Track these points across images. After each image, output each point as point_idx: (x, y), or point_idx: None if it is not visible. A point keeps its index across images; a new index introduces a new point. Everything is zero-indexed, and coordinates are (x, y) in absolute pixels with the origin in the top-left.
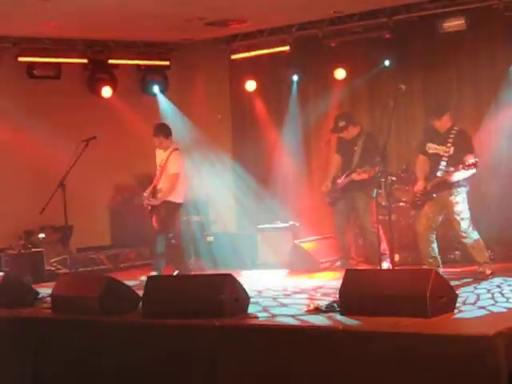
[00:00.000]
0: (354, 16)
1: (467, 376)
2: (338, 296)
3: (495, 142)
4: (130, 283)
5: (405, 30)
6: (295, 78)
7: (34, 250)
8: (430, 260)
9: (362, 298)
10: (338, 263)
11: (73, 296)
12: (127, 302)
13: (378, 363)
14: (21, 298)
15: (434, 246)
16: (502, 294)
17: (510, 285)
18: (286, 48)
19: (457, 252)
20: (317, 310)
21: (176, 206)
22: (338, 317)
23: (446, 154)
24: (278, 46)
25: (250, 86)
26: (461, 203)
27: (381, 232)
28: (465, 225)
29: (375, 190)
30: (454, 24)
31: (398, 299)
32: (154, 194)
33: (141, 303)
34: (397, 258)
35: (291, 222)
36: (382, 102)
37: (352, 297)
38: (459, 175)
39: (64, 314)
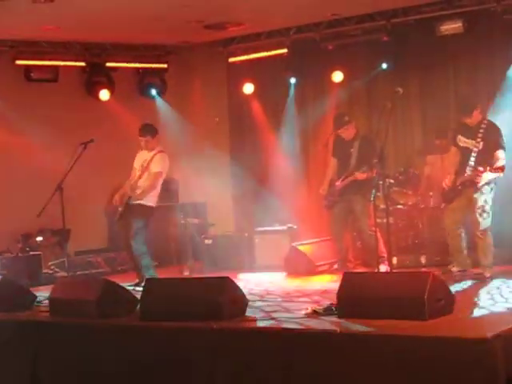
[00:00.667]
0: (352, 19)
1: (465, 379)
2: (335, 299)
3: None
4: (127, 286)
5: (402, 33)
6: (293, 80)
7: (31, 253)
8: (458, 255)
9: (359, 300)
10: (336, 266)
11: (70, 299)
12: (125, 304)
13: (375, 366)
14: (18, 301)
15: (463, 241)
16: (501, 295)
17: (508, 286)
18: (284, 51)
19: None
20: (314, 313)
21: (150, 210)
22: (336, 320)
23: (476, 149)
24: (275, 49)
25: (248, 88)
26: (484, 202)
27: (378, 235)
28: (484, 226)
29: (373, 193)
30: (452, 27)
31: (396, 302)
32: (124, 195)
33: (138, 306)
34: (394, 260)
35: (289, 225)
36: (380, 105)
37: (350, 300)
38: (486, 177)
39: (62, 317)
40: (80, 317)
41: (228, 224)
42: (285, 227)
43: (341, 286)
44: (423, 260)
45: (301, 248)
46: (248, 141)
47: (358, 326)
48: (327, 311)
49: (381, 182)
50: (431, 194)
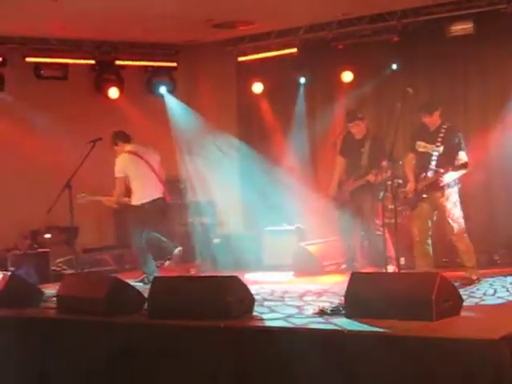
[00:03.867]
0: (362, 19)
1: (472, 380)
2: (343, 299)
3: (503, 145)
4: (135, 284)
5: (412, 33)
6: (302, 80)
7: (39, 250)
8: (423, 261)
9: (367, 301)
10: (344, 266)
11: (78, 296)
12: (132, 302)
13: (382, 366)
14: (26, 298)
15: (429, 248)
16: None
17: None
18: (294, 50)
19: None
20: (322, 313)
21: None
22: (344, 320)
23: (436, 153)
24: (285, 48)
25: (257, 88)
26: (453, 206)
27: (387, 235)
28: (458, 228)
29: (381, 193)
30: (462, 28)
31: (404, 302)
32: None
33: (146, 304)
34: (402, 261)
35: (297, 225)
36: (389, 105)
37: (357, 300)
38: (450, 176)
39: (69, 315)
40: (87, 314)
41: (236, 223)
42: (293, 227)
43: (348, 286)
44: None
45: (309, 248)
46: (257, 140)
47: (365, 326)
48: (335, 311)
49: (389, 183)
50: None
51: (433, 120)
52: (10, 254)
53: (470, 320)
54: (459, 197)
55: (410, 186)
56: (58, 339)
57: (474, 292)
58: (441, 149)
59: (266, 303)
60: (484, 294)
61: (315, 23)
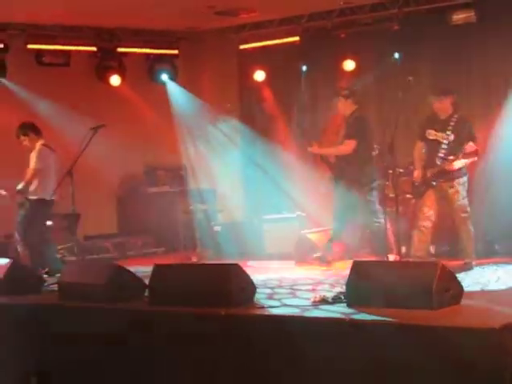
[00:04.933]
0: (364, 7)
1: (473, 369)
2: (344, 287)
3: (506, 135)
4: (136, 271)
5: (414, 22)
6: (304, 68)
7: None
8: (419, 253)
9: (368, 289)
10: (344, 254)
11: (79, 283)
12: (133, 289)
13: (383, 355)
14: (28, 284)
15: (428, 236)
16: None
17: None
18: (296, 38)
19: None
20: (323, 301)
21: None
22: (345, 308)
23: (446, 141)
24: (287, 37)
25: (259, 75)
26: (461, 196)
27: (388, 224)
28: (466, 218)
29: (376, 182)
30: (464, 16)
31: (404, 291)
32: None
33: (147, 291)
34: (403, 249)
35: (298, 213)
36: (391, 94)
37: (358, 288)
38: (459, 164)
39: (71, 301)
40: (89, 301)
41: (236, 211)
42: (294, 215)
43: (350, 275)
44: (432, 250)
45: (310, 236)
46: (259, 127)
47: (366, 315)
48: (336, 299)
49: (390, 171)
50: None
51: (444, 106)
52: (11, 240)
53: (470, 309)
54: (467, 187)
55: (417, 174)
56: (58, 325)
57: (478, 279)
58: (451, 137)
59: (266, 291)
60: (488, 280)
61: (317, 12)
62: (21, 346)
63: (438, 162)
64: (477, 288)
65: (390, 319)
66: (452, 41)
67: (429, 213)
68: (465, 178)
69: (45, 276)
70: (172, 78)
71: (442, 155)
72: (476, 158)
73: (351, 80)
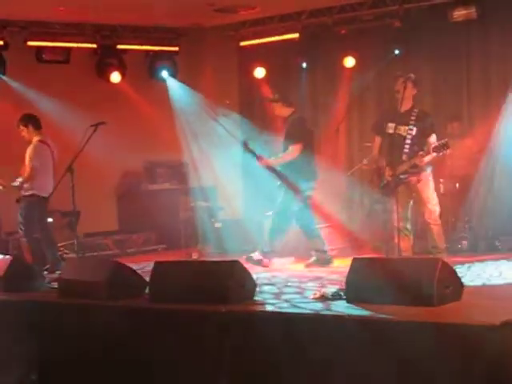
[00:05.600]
0: (365, 4)
1: (473, 365)
2: (344, 283)
3: (507, 132)
4: (136, 268)
5: (415, 18)
6: (304, 65)
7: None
8: (402, 246)
9: (368, 286)
10: (345, 251)
11: (80, 280)
12: (134, 287)
13: (383, 351)
14: (28, 281)
15: (409, 233)
16: None
17: None
18: (296, 35)
19: (464, 242)
20: (323, 298)
21: None
22: (344, 305)
23: (409, 136)
24: (287, 33)
25: (259, 72)
26: (429, 189)
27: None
28: (436, 211)
29: None
30: (465, 13)
31: (405, 288)
32: None
33: (147, 288)
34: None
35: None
36: (391, 91)
37: (358, 285)
38: (429, 158)
39: (71, 299)
40: (89, 298)
41: (238, 208)
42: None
43: (350, 271)
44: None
45: None
46: (258, 124)
47: (365, 311)
48: (336, 296)
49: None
50: (441, 180)
51: (408, 91)
52: (11, 237)
53: (471, 305)
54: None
55: (388, 171)
56: (58, 323)
57: (480, 274)
58: (414, 131)
59: (267, 288)
60: (490, 275)
61: (317, 8)
62: (20, 343)
63: (404, 158)
64: (479, 283)
65: (390, 316)
66: (453, 37)
67: (403, 213)
68: (430, 172)
69: (45, 273)
70: (172, 75)
71: (408, 150)
72: (448, 152)
73: (351, 76)
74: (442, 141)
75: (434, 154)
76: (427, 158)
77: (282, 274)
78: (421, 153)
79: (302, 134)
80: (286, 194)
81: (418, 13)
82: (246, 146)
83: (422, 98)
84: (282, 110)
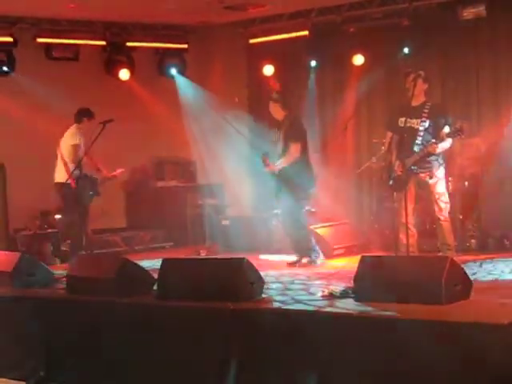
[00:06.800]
0: (374, 2)
1: (481, 364)
2: (352, 282)
3: None
4: (144, 265)
5: (424, 17)
6: (313, 63)
7: (49, 230)
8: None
9: (376, 284)
10: (353, 249)
11: (88, 277)
12: (142, 283)
13: (391, 350)
14: (36, 278)
15: (414, 229)
16: None
17: None
18: (305, 33)
19: (472, 240)
20: (331, 296)
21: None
22: (352, 303)
23: (422, 128)
24: (296, 31)
25: (268, 70)
26: (441, 185)
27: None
28: (447, 208)
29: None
30: (474, 11)
31: (413, 286)
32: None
33: (155, 285)
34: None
35: (307, 208)
36: (401, 89)
37: (366, 283)
38: (444, 145)
39: (79, 295)
40: (97, 295)
41: (246, 205)
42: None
43: (358, 269)
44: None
45: (319, 231)
46: (267, 122)
47: (374, 310)
48: (344, 294)
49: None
50: (450, 179)
51: (418, 87)
52: (20, 234)
53: (480, 303)
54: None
55: (398, 165)
56: (66, 319)
57: (491, 271)
58: (426, 124)
59: (275, 285)
60: (502, 271)
61: (326, 6)
62: (29, 339)
63: (416, 149)
64: (490, 278)
65: (398, 314)
66: (462, 36)
67: (410, 209)
68: (442, 168)
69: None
70: (181, 72)
71: (420, 142)
72: (463, 136)
73: (360, 74)
74: (457, 125)
75: (450, 140)
76: (442, 145)
77: (290, 271)
78: (433, 140)
79: (300, 134)
80: (288, 197)
81: (427, 11)
82: (265, 160)
83: (430, 96)
84: (277, 111)
